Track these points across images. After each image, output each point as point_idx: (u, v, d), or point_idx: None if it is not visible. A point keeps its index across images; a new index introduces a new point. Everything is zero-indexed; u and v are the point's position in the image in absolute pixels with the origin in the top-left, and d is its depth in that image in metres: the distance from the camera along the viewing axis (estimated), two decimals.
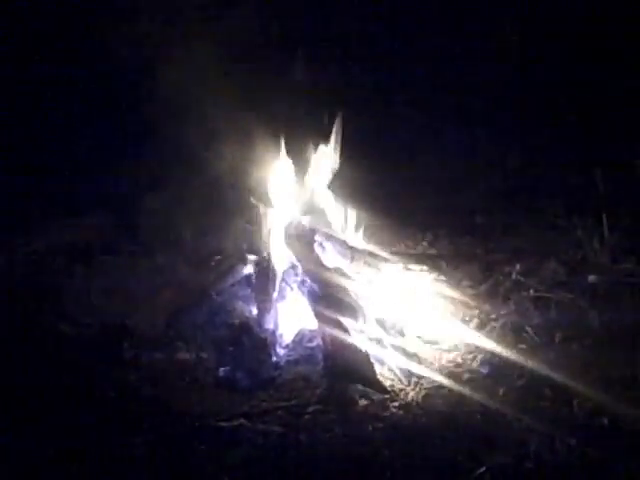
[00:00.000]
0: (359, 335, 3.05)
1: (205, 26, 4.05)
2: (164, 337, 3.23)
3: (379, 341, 3.11)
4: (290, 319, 3.26)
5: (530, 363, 2.95)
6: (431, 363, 3.06)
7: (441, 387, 2.89)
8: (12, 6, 5.47)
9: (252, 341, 3.05)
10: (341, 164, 3.72)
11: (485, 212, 4.63)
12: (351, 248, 3.56)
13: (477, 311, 3.46)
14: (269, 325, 3.22)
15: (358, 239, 3.74)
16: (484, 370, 2.97)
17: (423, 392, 2.86)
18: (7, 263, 4.02)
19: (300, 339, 3.18)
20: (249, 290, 3.40)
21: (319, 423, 2.65)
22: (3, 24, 5.44)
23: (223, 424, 2.64)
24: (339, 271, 3.34)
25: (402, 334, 3.25)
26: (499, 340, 3.18)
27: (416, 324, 3.34)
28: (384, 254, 3.75)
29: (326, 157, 3.66)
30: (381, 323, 3.21)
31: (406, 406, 2.76)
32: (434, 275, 3.77)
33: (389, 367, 3.02)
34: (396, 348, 3.11)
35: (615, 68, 5.73)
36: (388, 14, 6.15)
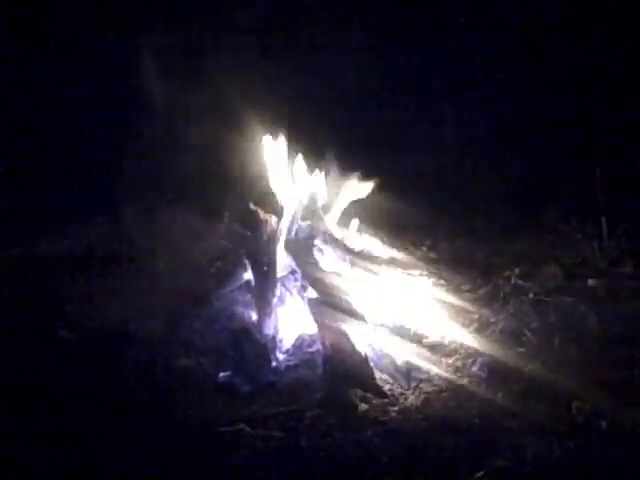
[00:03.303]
0: (358, 340, 3.06)
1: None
2: (164, 342, 3.24)
3: (378, 345, 3.12)
4: (290, 324, 3.27)
5: (529, 367, 2.96)
6: (430, 367, 3.06)
7: (441, 391, 2.89)
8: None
9: (252, 346, 3.06)
10: (339, 168, 3.74)
11: (484, 216, 4.64)
12: (350, 253, 3.56)
13: (476, 315, 3.47)
14: (269, 330, 3.23)
15: (357, 244, 3.75)
16: (483, 374, 2.98)
17: (422, 396, 2.86)
18: (8, 268, 4.04)
19: (300, 344, 3.19)
20: (249, 295, 3.41)
21: (319, 428, 2.66)
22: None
23: (223, 429, 2.65)
24: (339, 276, 3.34)
25: (401, 338, 3.26)
26: (498, 344, 3.19)
27: (416, 328, 3.35)
28: (383, 258, 3.75)
29: (325, 162, 3.68)
30: (380, 327, 3.21)
31: (406, 410, 2.77)
32: (433, 279, 3.78)
33: (389, 371, 3.03)
34: (395, 352, 3.11)
35: (615, 73, 5.75)
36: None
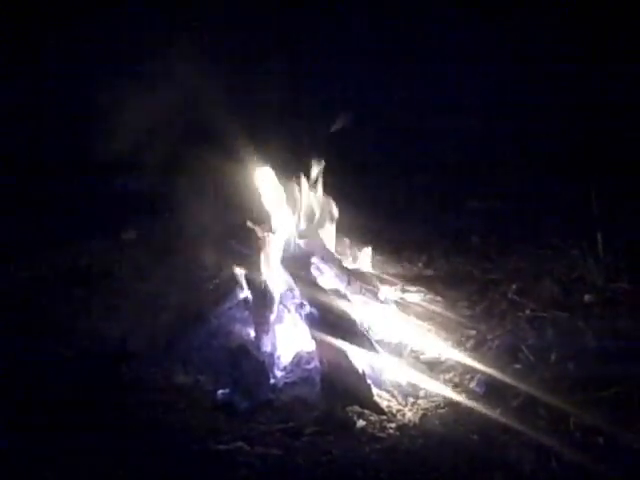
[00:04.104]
0: (356, 357, 3.06)
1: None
2: (162, 360, 3.24)
3: (376, 362, 3.13)
4: (288, 341, 3.28)
5: (526, 383, 2.96)
6: (428, 384, 3.07)
7: (438, 408, 2.90)
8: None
9: (250, 363, 3.06)
10: (337, 186, 3.76)
11: (481, 232, 4.66)
12: (348, 270, 3.58)
13: (473, 331, 3.48)
14: (267, 348, 3.23)
15: (354, 261, 3.77)
16: (480, 390, 2.98)
17: (420, 413, 2.87)
18: (6, 287, 4.04)
19: (298, 361, 3.19)
20: (247, 313, 3.41)
21: (317, 445, 2.65)
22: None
23: (221, 447, 2.65)
24: (336, 293, 3.35)
25: (399, 355, 3.26)
26: (495, 360, 3.19)
27: (413, 345, 3.36)
28: (380, 275, 3.77)
29: (322, 180, 3.70)
30: (378, 344, 3.22)
31: (403, 427, 2.77)
32: (430, 296, 3.80)
33: (386, 388, 3.03)
34: (393, 369, 3.12)
35: (611, 90, 5.81)
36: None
